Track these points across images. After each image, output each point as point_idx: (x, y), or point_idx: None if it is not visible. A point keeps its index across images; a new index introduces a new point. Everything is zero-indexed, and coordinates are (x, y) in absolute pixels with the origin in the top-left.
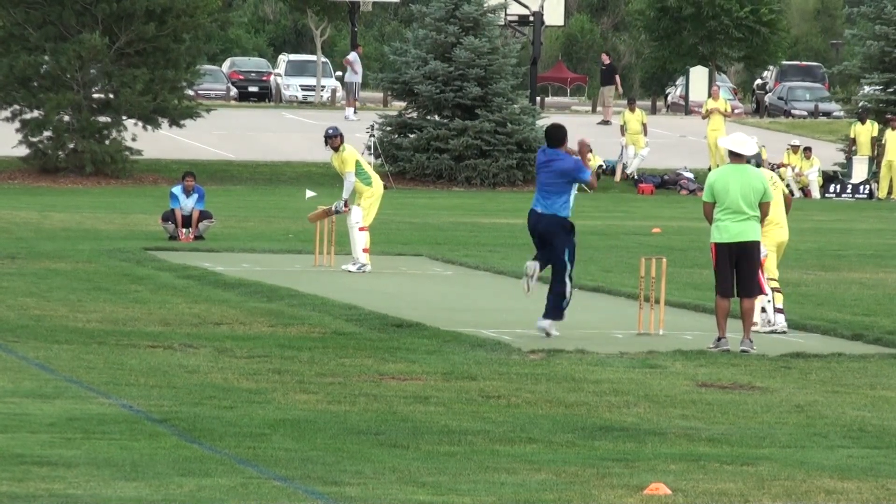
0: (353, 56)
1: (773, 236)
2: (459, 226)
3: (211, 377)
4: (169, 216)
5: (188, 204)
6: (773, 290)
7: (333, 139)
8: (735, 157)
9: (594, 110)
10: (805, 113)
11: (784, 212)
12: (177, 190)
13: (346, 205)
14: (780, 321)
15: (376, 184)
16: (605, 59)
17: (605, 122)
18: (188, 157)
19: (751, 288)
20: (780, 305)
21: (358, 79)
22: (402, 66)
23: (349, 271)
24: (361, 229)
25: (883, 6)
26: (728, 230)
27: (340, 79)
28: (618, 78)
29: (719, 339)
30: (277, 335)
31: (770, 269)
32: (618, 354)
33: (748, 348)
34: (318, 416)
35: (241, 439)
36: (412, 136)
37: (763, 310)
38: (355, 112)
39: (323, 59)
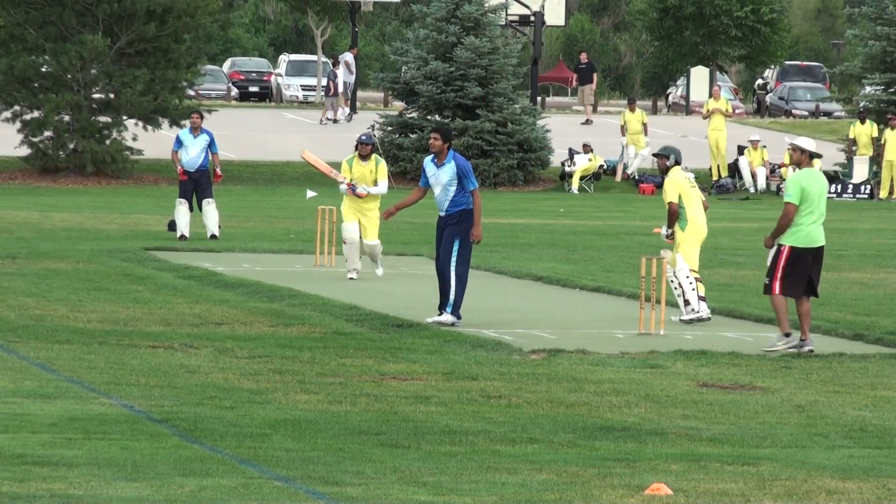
0: (348, 56)
1: (700, 233)
2: None
3: (212, 377)
4: (185, 188)
5: (194, 148)
6: (696, 279)
7: (366, 146)
8: (809, 159)
9: (595, 110)
10: (806, 113)
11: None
12: (183, 133)
13: (353, 190)
14: (704, 309)
15: None
16: (584, 58)
17: (588, 122)
18: None
19: (817, 288)
20: (702, 294)
21: (352, 79)
22: (401, 65)
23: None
24: None
25: (884, 6)
26: (811, 235)
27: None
28: (595, 76)
29: (789, 335)
30: (278, 335)
31: (692, 262)
32: (619, 354)
33: (812, 347)
34: (319, 416)
35: (241, 439)
36: (413, 136)
37: (687, 302)
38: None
39: (323, 59)
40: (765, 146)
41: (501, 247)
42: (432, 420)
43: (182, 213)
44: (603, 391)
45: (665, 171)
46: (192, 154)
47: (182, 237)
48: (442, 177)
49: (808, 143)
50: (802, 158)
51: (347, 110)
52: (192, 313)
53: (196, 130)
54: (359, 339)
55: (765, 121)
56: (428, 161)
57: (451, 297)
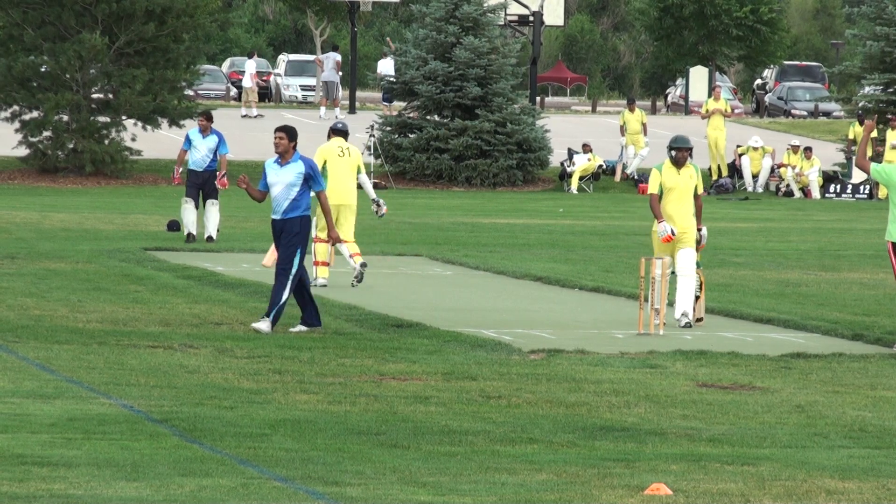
0: (335, 56)
1: None
2: (459, 226)
3: (211, 377)
4: (191, 190)
5: (203, 147)
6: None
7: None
8: None
9: (594, 110)
10: (805, 113)
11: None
12: (193, 132)
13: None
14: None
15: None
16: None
17: None
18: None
19: None
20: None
21: (335, 78)
22: (401, 66)
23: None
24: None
25: (884, 6)
26: None
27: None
28: None
29: None
30: (278, 335)
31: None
32: (618, 354)
33: None
34: (319, 416)
35: (241, 439)
36: (412, 136)
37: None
38: (328, 110)
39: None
40: (765, 146)
41: (501, 247)
42: (432, 420)
43: (189, 212)
44: (602, 391)
45: (684, 163)
46: (202, 154)
47: (189, 235)
48: (286, 176)
49: None
50: None
51: (326, 110)
52: (192, 313)
53: (205, 131)
54: (358, 340)
55: (764, 121)
56: (270, 162)
57: (278, 303)
